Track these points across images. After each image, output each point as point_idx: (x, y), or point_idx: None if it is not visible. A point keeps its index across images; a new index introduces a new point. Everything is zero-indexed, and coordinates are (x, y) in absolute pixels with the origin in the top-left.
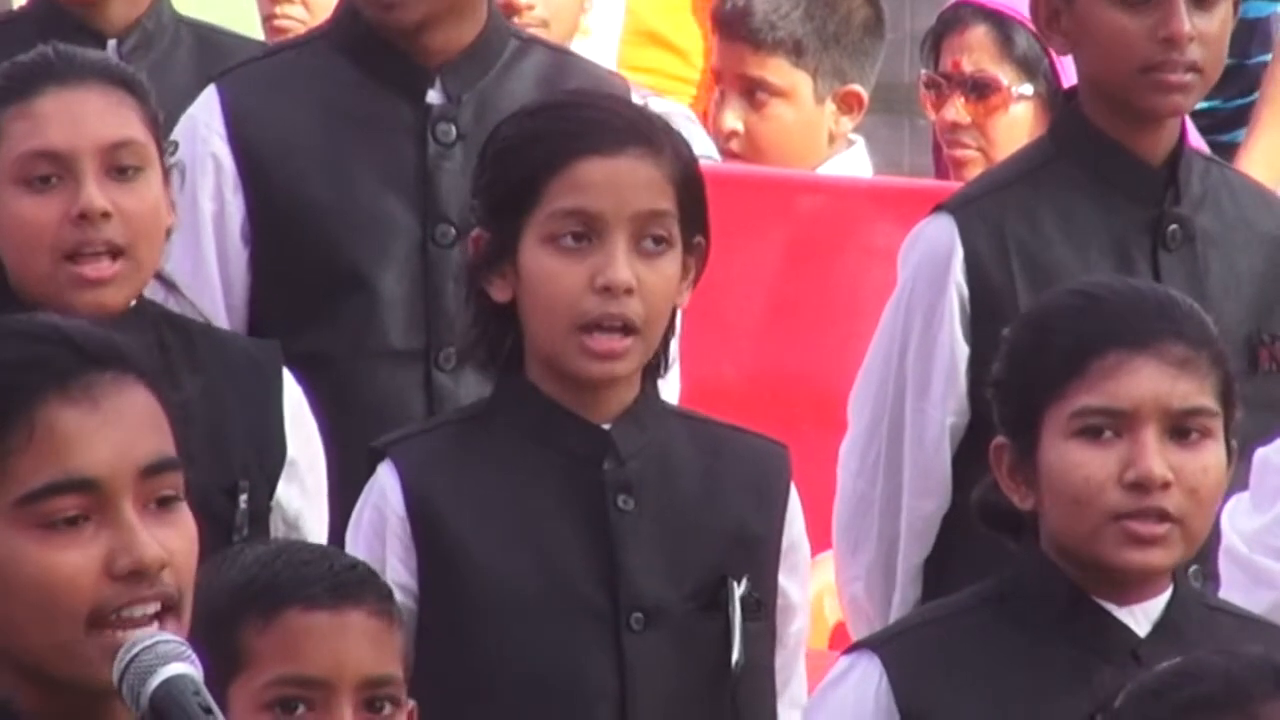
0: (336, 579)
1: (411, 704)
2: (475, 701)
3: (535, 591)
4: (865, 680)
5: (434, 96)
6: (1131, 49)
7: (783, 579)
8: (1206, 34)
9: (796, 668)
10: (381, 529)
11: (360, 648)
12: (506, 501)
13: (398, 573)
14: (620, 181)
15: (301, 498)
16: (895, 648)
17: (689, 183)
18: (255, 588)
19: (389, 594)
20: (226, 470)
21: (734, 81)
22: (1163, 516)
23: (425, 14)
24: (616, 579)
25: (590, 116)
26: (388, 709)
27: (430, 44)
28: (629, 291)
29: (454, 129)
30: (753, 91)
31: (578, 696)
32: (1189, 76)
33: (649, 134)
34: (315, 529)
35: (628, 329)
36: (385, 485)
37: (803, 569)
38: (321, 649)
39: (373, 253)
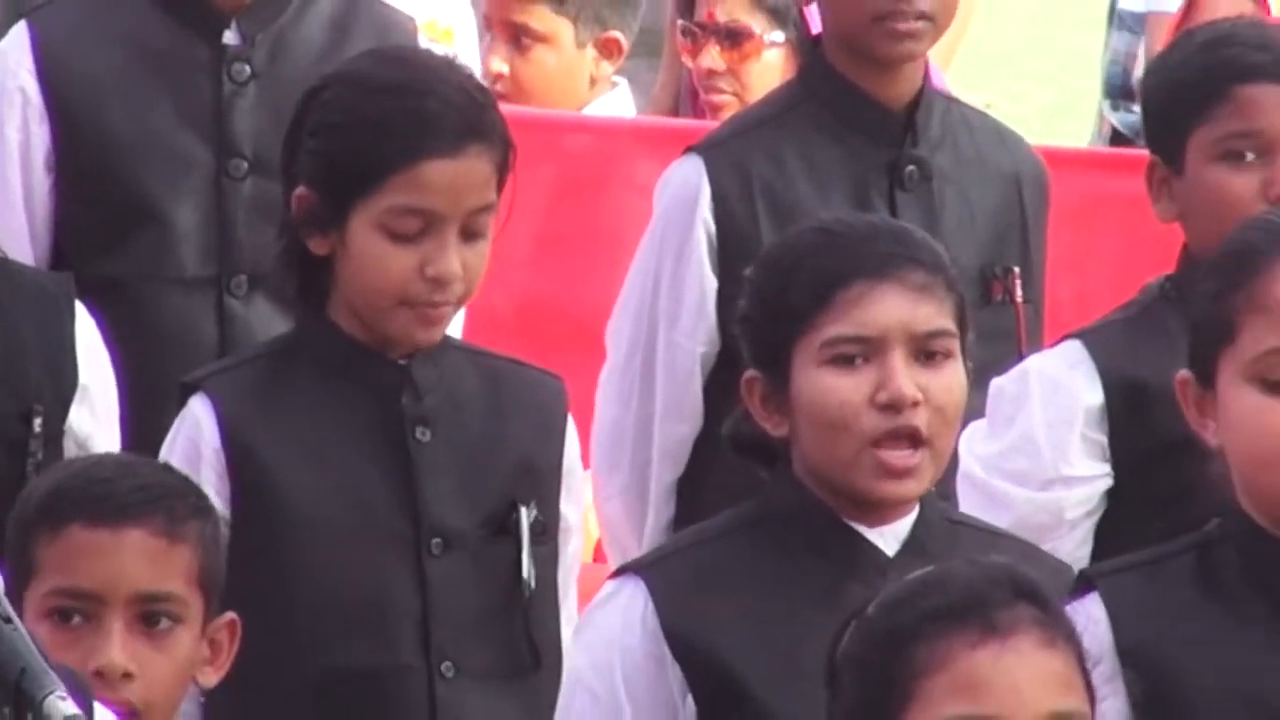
0: (121, 499)
1: (231, 615)
2: (289, 620)
3: (341, 518)
4: (631, 603)
5: (230, 37)
6: (851, 5)
7: (562, 503)
8: None
9: (571, 586)
10: (195, 459)
11: (136, 565)
12: (313, 433)
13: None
14: (460, 184)
15: (92, 421)
16: (659, 571)
17: (507, 164)
18: (50, 501)
19: (186, 515)
20: (21, 396)
21: (500, 27)
22: (914, 435)
23: None
24: (416, 506)
25: (433, 109)
26: (164, 623)
27: None
28: (457, 279)
29: (248, 68)
30: (517, 37)
31: (383, 616)
32: (919, 24)
33: (483, 127)
34: (105, 451)
35: (447, 306)
36: (199, 417)
37: (577, 493)
38: (96, 564)
39: (169, 184)
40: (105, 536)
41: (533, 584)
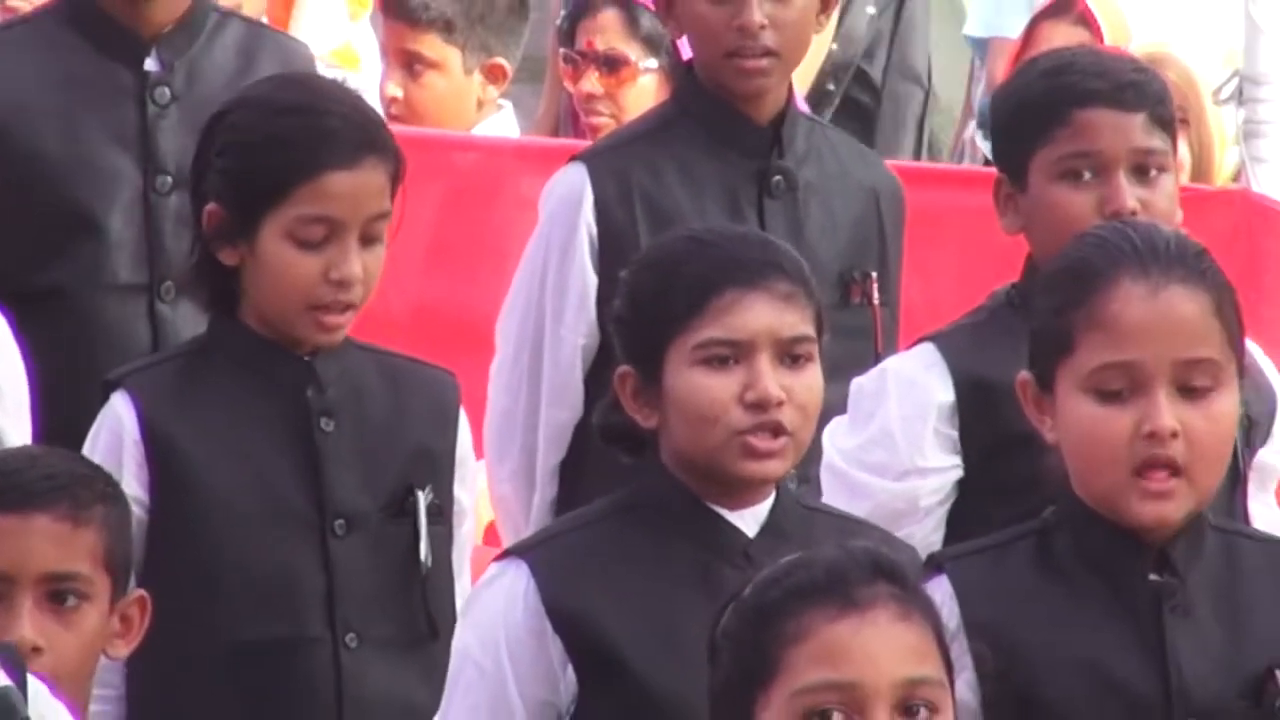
0: (29, 487)
1: (140, 592)
2: (204, 598)
3: (252, 503)
4: (514, 583)
5: (150, 64)
6: (715, 37)
7: (456, 488)
8: (781, 20)
9: (465, 563)
10: (117, 450)
11: (43, 547)
12: (226, 425)
13: (131, 488)
14: (359, 192)
15: (3, 417)
16: (541, 554)
17: (399, 175)
18: None
19: (90, 501)
20: None
21: (395, 55)
22: (777, 428)
23: None
24: (321, 491)
25: (332, 126)
26: (71, 601)
27: (149, 18)
28: (358, 282)
29: (168, 91)
30: (411, 64)
31: (291, 593)
32: (766, 61)
33: (377, 141)
34: (16, 443)
35: (349, 307)
36: (120, 412)
37: (470, 479)
38: (5, 546)
39: (102, 200)
40: (14, 521)
41: (429, 562)
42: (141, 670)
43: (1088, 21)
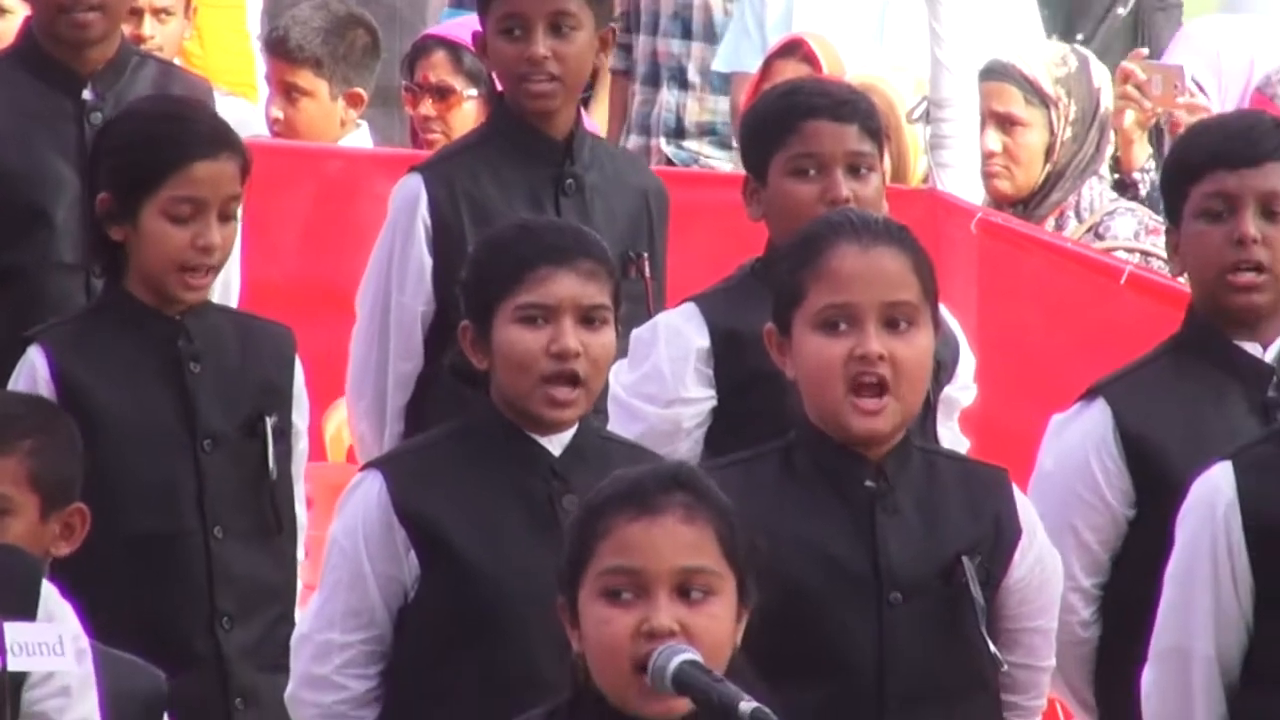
0: None
1: (79, 505)
2: (106, 502)
3: (140, 427)
4: (371, 488)
5: (87, 95)
6: (511, 67)
7: (294, 416)
8: (562, 54)
9: (300, 472)
10: (33, 389)
11: None
12: (118, 368)
13: None
14: (218, 178)
15: None
16: (392, 466)
17: (247, 166)
18: None
19: (15, 436)
20: None
21: (277, 85)
22: (573, 377)
23: (101, 35)
24: (193, 418)
25: (196, 128)
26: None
27: (86, 59)
28: (217, 248)
29: (100, 116)
30: (289, 92)
31: (172, 494)
32: (549, 85)
33: (230, 139)
34: None
35: (210, 270)
36: (35, 361)
37: (304, 410)
38: None
39: (50, 199)
40: None
41: (275, 472)
42: (66, 560)
43: (810, 59)
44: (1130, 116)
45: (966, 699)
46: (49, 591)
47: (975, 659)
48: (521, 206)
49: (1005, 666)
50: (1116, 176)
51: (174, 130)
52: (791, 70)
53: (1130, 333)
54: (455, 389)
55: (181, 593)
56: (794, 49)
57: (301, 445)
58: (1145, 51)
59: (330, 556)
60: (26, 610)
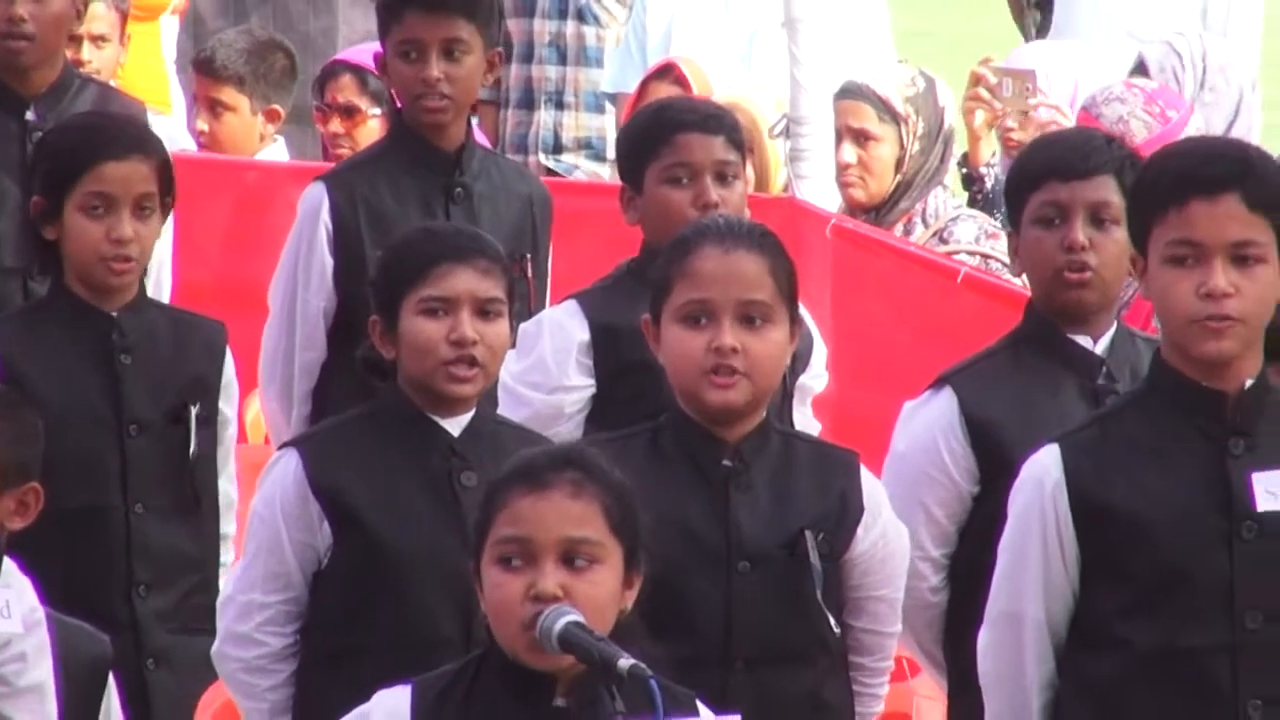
0: None
1: (34, 484)
2: (44, 479)
3: (71, 413)
4: (288, 464)
5: (31, 115)
6: (408, 87)
7: (222, 405)
8: (453, 75)
9: (230, 456)
10: None
11: None
12: (53, 359)
13: None
14: (127, 176)
15: None
16: (306, 444)
17: (166, 166)
18: None
19: None
20: None
21: (203, 101)
22: (472, 360)
23: (35, 61)
24: (120, 404)
25: (107, 135)
26: None
27: (30, 83)
28: (131, 241)
29: (42, 135)
30: (214, 107)
31: (94, 478)
32: (444, 102)
33: (143, 144)
34: None
35: (129, 260)
36: None
37: (234, 398)
38: None
39: None
40: None
41: (194, 455)
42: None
43: (681, 81)
44: (980, 117)
45: (808, 660)
46: (9, 566)
47: (816, 624)
48: (415, 212)
49: (839, 631)
50: (965, 171)
51: (87, 136)
52: (665, 91)
53: (967, 327)
54: (356, 375)
55: (103, 562)
56: (667, 72)
57: (230, 430)
58: (994, 57)
59: (252, 526)
60: None
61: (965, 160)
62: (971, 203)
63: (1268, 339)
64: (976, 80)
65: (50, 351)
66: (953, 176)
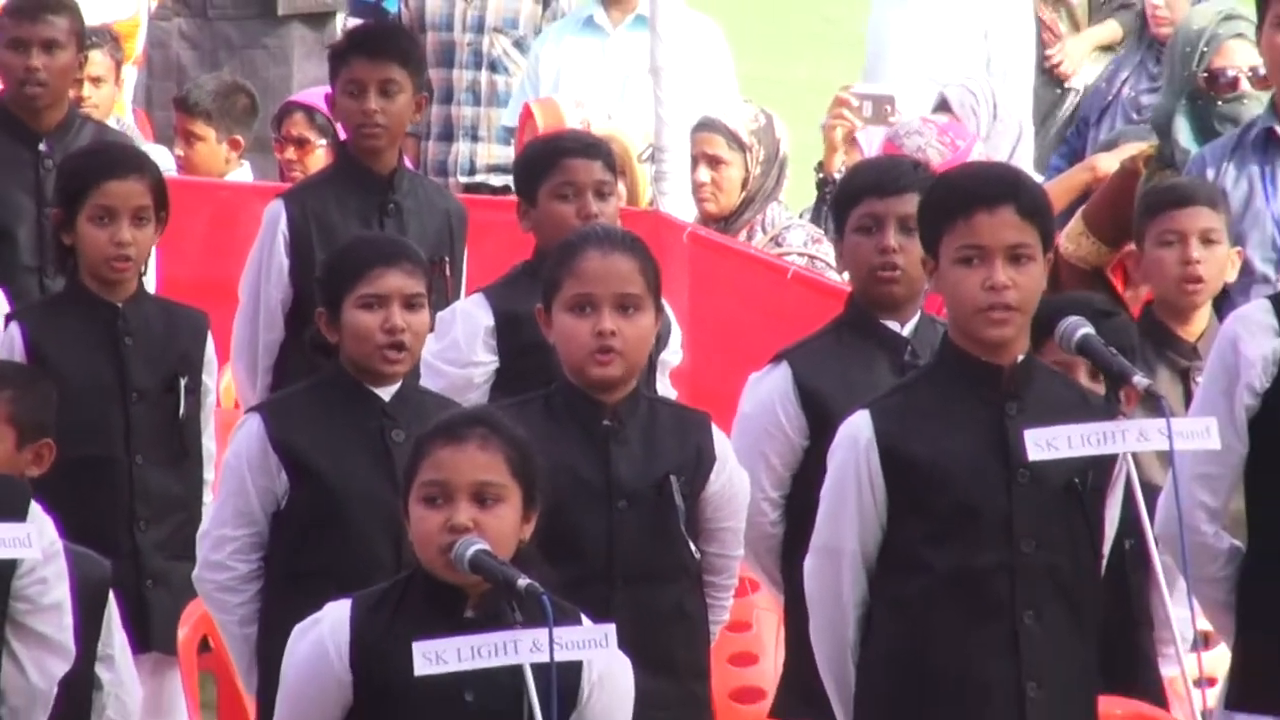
0: None
1: (48, 439)
2: (61, 438)
3: (85, 385)
4: (252, 424)
5: (43, 146)
6: (350, 119)
7: (205, 377)
8: (388, 110)
9: (210, 419)
10: (10, 351)
11: None
12: (74, 339)
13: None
14: (126, 192)
15: None
16: (268, 408)
17: (159, 184)
18: None
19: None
20: None
21: (181, 133)
22: (400, 345)
23: (48, 102)
24: (124, 377)
25: (109, 158)
26: None
27: (42, 121)
28: (129, 245)
29: (51, 163)
30: (188, 137)
31: (104, 435)
32: (377, 129)
33: (141, 167)
34: None
35: (129, 260)
36: (14, 336)
37: (214, 372)
38: None
39: (14, 222)
40: None
41: (184, 417)
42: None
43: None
44: (840, 132)
45: (673, 579)
46: (36, 507)
47: (679, 550)
48: (355, 224)
49: (696, 556)
50: (821, 176)
51: (95, 161)
52: (529, 126)
53: (796, 314)
54: (307, 355)
55: (110, 502)
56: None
57: (210, 398)
58: (856, 84)
59: (223, 474)
60: (19, 515)
61: (821, 167)
62: (821, 201)
63: (1031, 324)
64: (841, 103)
65: (68, 335)
66: (787, 192)
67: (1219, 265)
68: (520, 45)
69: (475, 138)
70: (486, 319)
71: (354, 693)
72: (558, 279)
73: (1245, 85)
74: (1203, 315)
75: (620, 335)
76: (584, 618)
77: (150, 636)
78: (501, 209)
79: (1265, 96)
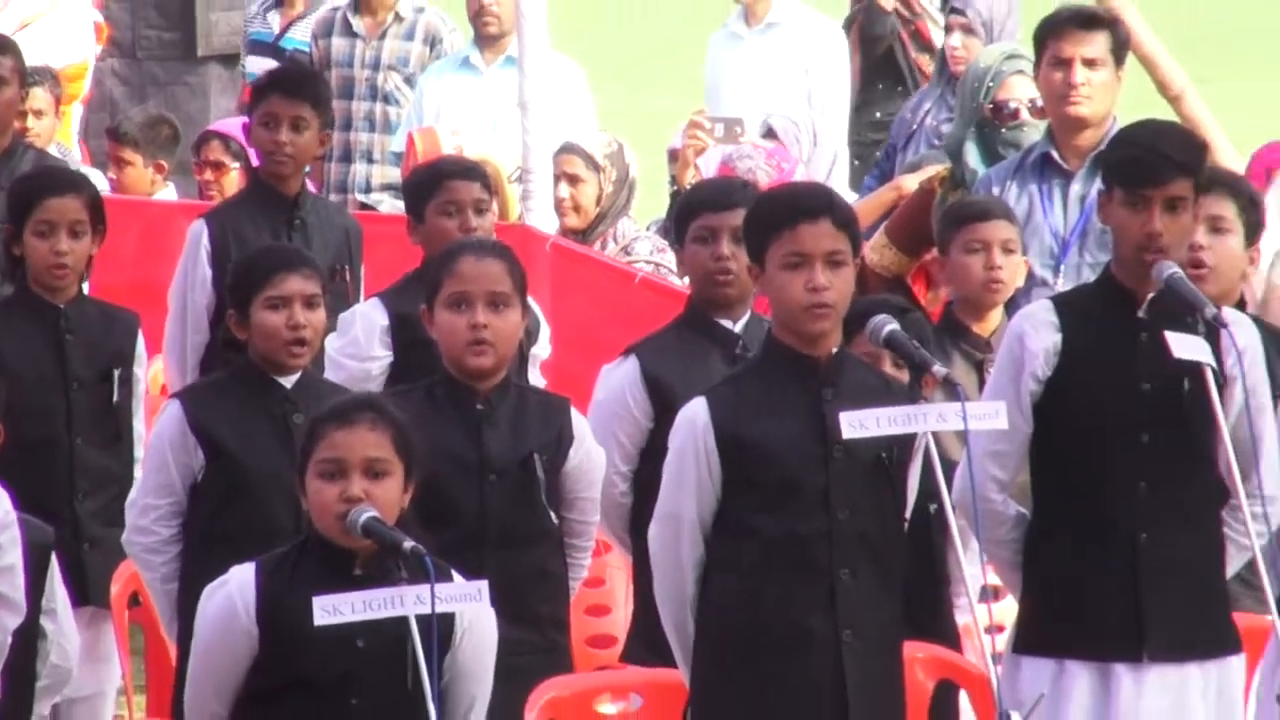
0: None
1: None
2: (10, 423)
3: (31, 376)
4: (173, 409)
5: None
6: (262, 147)
7: (136, 369)
8: (296, 142)
9: (140, 406)
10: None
11: None
12: (22, 338)
13: None
14: (63, 208)
15: None
16: (186, 394)
17: (95, 200)
18: None
19: None
20: None
21: (112, 157)
22: (302, 341)
23: None
24: (66, 369)
25: (49, 179)
26: None
27: None
28: (67, 254)
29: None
30: (119, 161)
31: (48, 419)
32: (284, 158)
33: (75, 183)
34: None
35: (67, 268)
36: None
37: (144, 365)
38: None
39: None
40: None
41: (117, 403)
42: None
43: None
44: (692, 152)
45: (537, 543)
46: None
47: (542, 518)
48: (267, 238)
49: (557, 522)
50: (675, 189)
51: (36, 182)
52: (424, 154)
53: (643, 314)
54: (219, 350)
55: (54, 476)
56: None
57: (141, 387)
58: (705, 108)
59: (149, 452)
60: None
61: (674, 180)
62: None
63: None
64: (695, 125)
65: (17, 333)
66: (636, 208)
67: (1015, 271)
68: (410, 81)
69: (371, 160)
70: (382, 319)
71: (260, 643)
72: (438, 281)
73: (1025, 115)
74: (995, 314)
75: (491, 328)
76: (455, 574)
77: (87, 592)
78: (394, 224)
79: (1042, 125)
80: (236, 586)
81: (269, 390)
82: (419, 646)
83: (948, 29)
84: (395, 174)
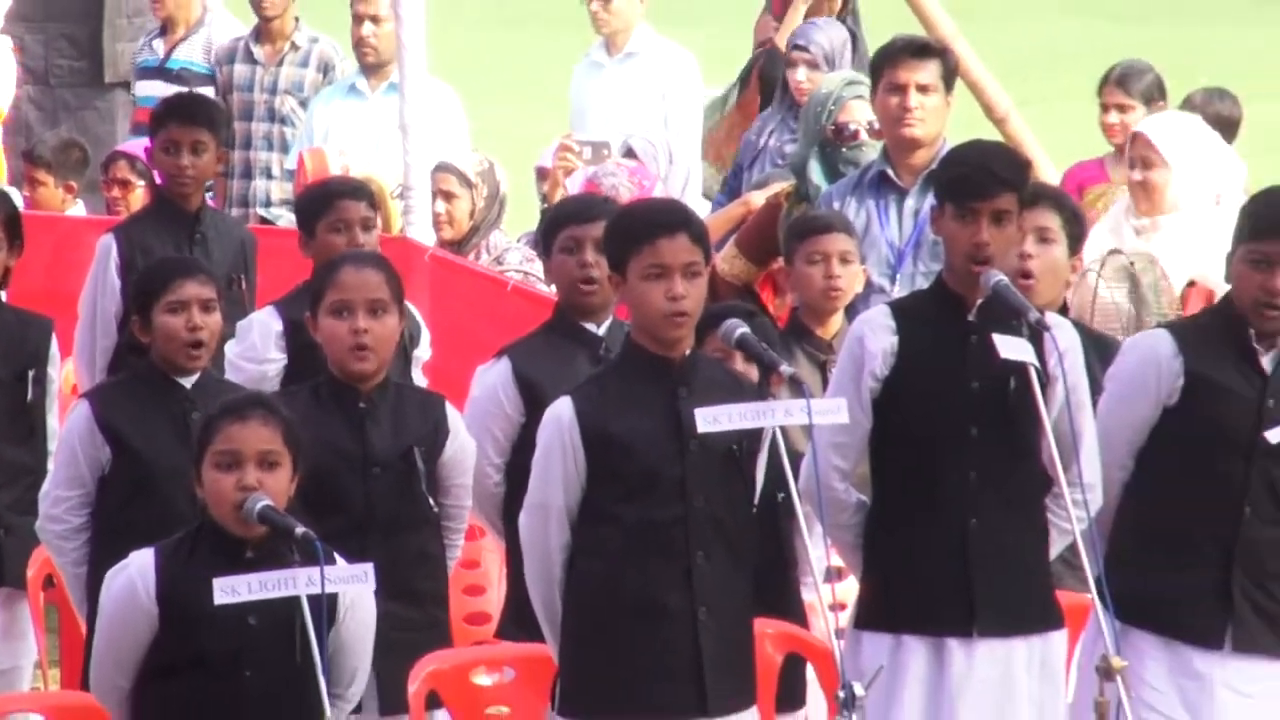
0: None
1: None
2: None
3: None
4: (81, 408)
5: None
6: (164, 169)
7: (50, 369)
8: (196, 163)
9: (54, 403)
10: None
11: None
12: None
13: None
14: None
15: None
16: (94, 394)
17: (12, 217)
18: None
19: None
20: None
21: (27, 179)
22: (200, 344)
23: None
24: None
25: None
26: None
27: None
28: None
29: None
30: (33, 182)
31: None
32: (187, 179)
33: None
34: None
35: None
36: None
37: (58, 366)
38: None
39: None
40: None
41: (31, 401)
42: None
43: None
44: (562, 172)
45: (417, 528)
46: None
47: (421, 505)
48: (170, 250)
49: (436, 509)
50: (545, 206)
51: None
52: (303, 169)
53: (515, 320)
54: (123, 353)
55: None
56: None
57: (54, 387)
58: (571, 131)
59: (59, 446)
60: None
61: (545, 198)
62: (543, 221)
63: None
64: (565, 147)
65: None
66: (506, 222)
67: (853, 279)
68: (305, 104)
69: (270, 176)
70: (277, 325)
71: (159, 622)
72: (321, 290)
73: (864, 136)
74: (836, 319)
75: (371, 333)
76: (339, 558)
77: (3, 574)
78: (289, 237)
79: (879, 145)
80: (137, 569)
81: (170, 390)
82: (310, 624)
83: (791, 64)
84: (293, 189)
